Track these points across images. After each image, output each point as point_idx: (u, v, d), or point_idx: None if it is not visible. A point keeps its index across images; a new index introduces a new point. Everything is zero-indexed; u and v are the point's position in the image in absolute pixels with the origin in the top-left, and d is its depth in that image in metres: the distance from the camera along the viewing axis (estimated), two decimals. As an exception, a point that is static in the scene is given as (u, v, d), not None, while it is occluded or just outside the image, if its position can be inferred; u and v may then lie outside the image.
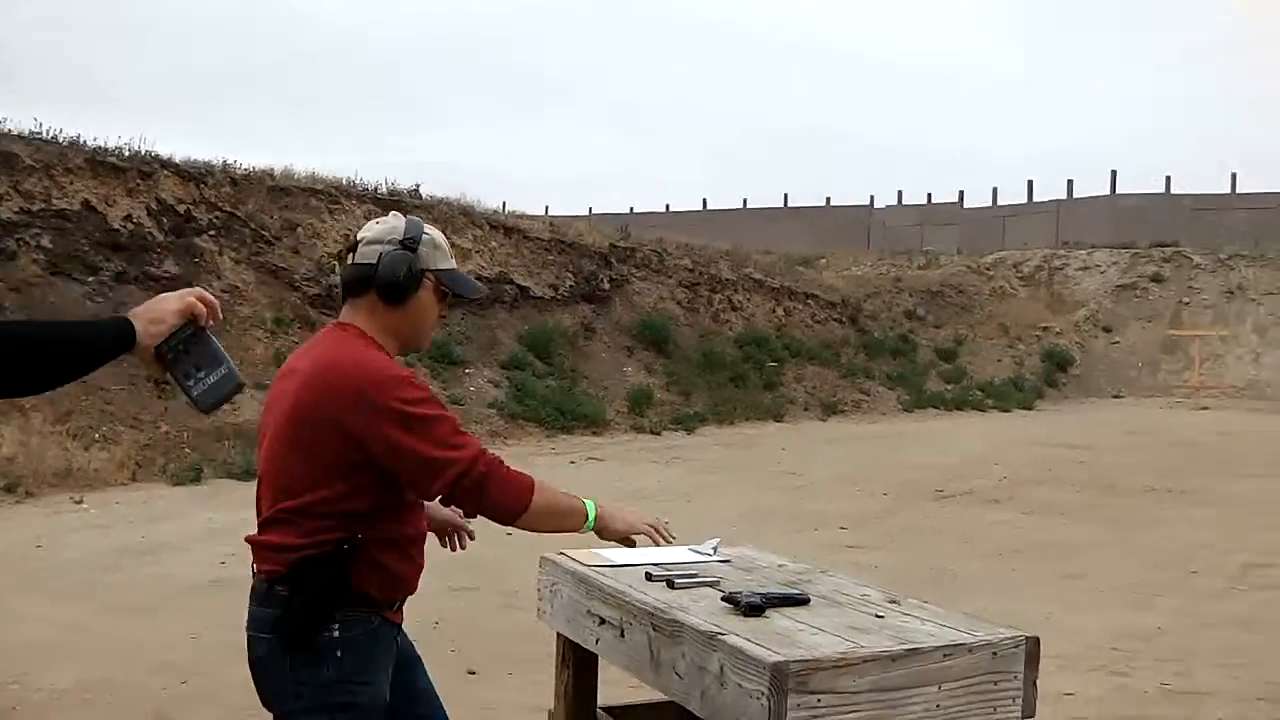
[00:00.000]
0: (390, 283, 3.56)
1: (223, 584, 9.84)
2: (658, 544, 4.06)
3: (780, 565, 4.73)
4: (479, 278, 23.73)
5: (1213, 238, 38.96)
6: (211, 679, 7.35)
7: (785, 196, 53.04)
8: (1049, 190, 45.57)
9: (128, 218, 19.28)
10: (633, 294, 27.22)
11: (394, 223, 3.66)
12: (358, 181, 23.78)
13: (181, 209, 20.03)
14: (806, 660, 3.36)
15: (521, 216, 28.06)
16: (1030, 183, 46.17)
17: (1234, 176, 41.95)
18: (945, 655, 3.54)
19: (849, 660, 3.41)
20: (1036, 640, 3.72)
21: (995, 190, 47.59)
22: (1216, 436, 23.70)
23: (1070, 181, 44.47)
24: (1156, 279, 37.60)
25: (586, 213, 49.96)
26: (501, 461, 3.58)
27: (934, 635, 3.65)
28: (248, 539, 3.61)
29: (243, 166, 22.10)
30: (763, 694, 3.33)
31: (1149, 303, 37.19)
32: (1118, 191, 43.14)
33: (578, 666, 4.47)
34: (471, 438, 3.56)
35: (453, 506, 3.67)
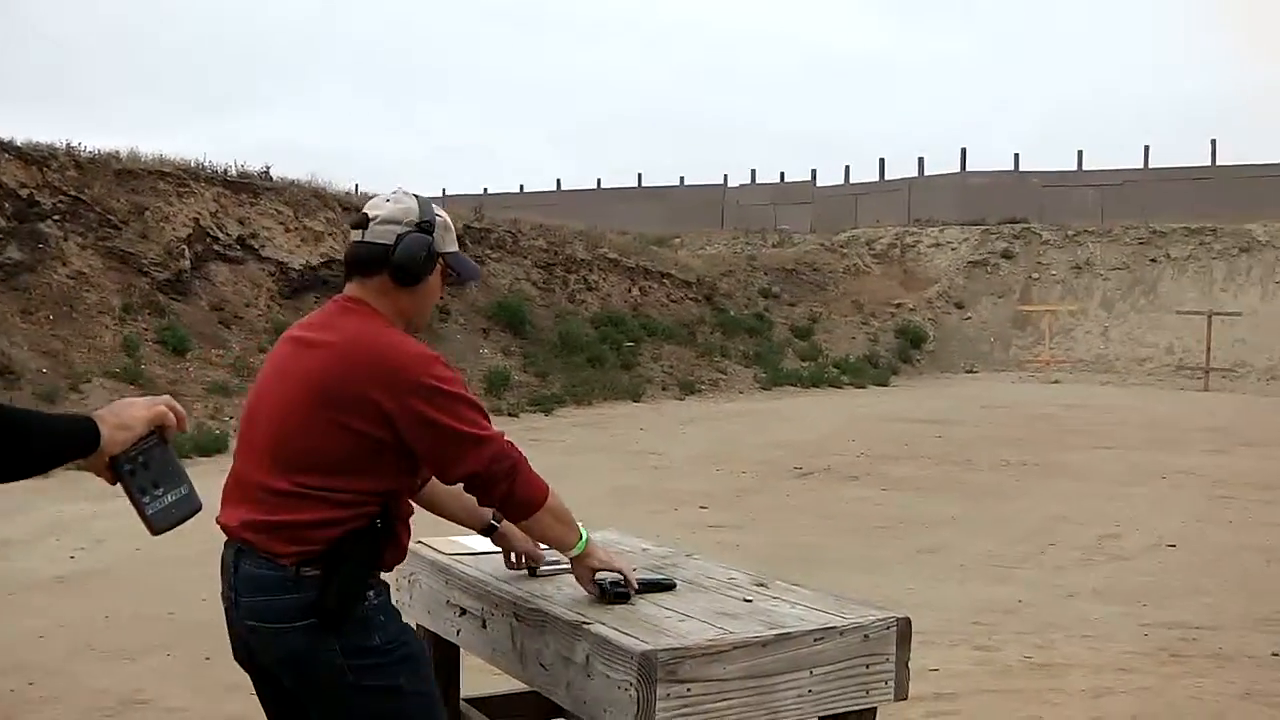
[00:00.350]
0: (408, 266, 3.53)
1: (71, 579, 9.58)
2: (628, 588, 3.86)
3: (645, 549, 4.65)
4: (331, 261, 23.46)
5: (1061, 215, 39.55)
6: (61, 679, 7.13)
7: (639, 176, 53.01)
8: (900, 168, 45.87)
9: (-34, 203, 18.77)
10: (488, 275, 27.03)
11: (408, 203, 3.60)
12: (206, 164, 23.33)
13: (24, 193, 19.51)
14: (675, 649, 3.28)
15: (373, 197, 27.70)
16: (882, 161, 46.53)
17: (1080, 154, 42.55)
18: (816, 639, 3.48)
19: (719, 647, 3.33)
20: (908, 621, 3.67)
21: (847, 169, 47.94)
22: (1068, 409, 24.06)
23: (921, 159, 44.89)
24: (1007, 255, 38.13)
25: (440, 194, 49.70)
26: (522, 456, 3.53)
27: (804, 619, 3.58)
28: (244, 523, 3.42)
29: (88, 149, 21.59)
30: (631, 684, 3.24)
31: (1000, 279, 37.70)
32: (968, 169, 43.61)
33: (439, 659, 4.34)
34: (490, 423, 3.51)
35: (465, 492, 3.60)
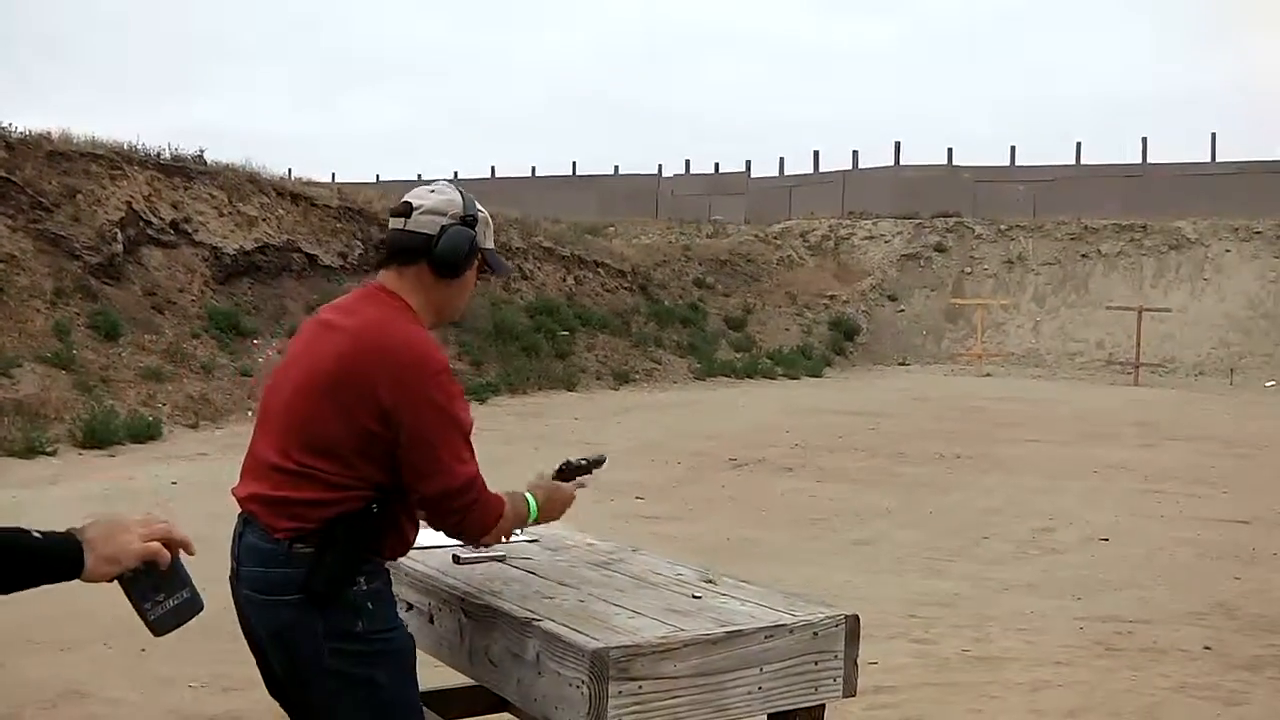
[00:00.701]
0: (450, 259, 3.56)
1: None
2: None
3: (589, 544, 4.65)
4: (266, 246, 23.30)
5: (993, 209, 39.80)
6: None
7: (574, 165, 52.98)
8: (835, 161, 46.05)
9: (-107, 185, 18.51)
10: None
11: (451, 195, 3.63)
12: (140, 147, 23.07)
13: (-49, 176, 19.28)
14: (627, 646, 3.28)
15: (309, 184, 27.51)
16: (816, 153, 46.64)
17: (1013, 149, 42.83)
18: (767, 636, 3.49)
19: (670, 645, 3.33)
20: (856, 618, 3.69)
21: (782, 160, 47.99)
22: (1000, 403, 24.23)
23: (855, 152, 45.07)
24: (940, 249, 38.35)
25: (374, 180, 49.38)
26: (485, 487, 3.55)
27: (754, 616, 3.59)
28: (251, 495, 3.49)
29: (18, 130, 21.28)
30: (582, 681, 3.24)
31: (933, 272, 37.92)
32: (902, 163, 43.81)
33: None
34: (473, 456, 3.53)
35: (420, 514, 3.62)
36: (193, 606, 2.57)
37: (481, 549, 4.26)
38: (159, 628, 2.54)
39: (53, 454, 14.95)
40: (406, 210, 3.60)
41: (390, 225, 3.66)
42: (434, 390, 3.40)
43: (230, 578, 3.55)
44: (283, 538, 3.38)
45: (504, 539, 3.93)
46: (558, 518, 4.04)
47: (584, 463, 4.11)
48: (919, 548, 10.93)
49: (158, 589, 2.51)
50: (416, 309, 3.57)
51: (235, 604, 3.57)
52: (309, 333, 3.65)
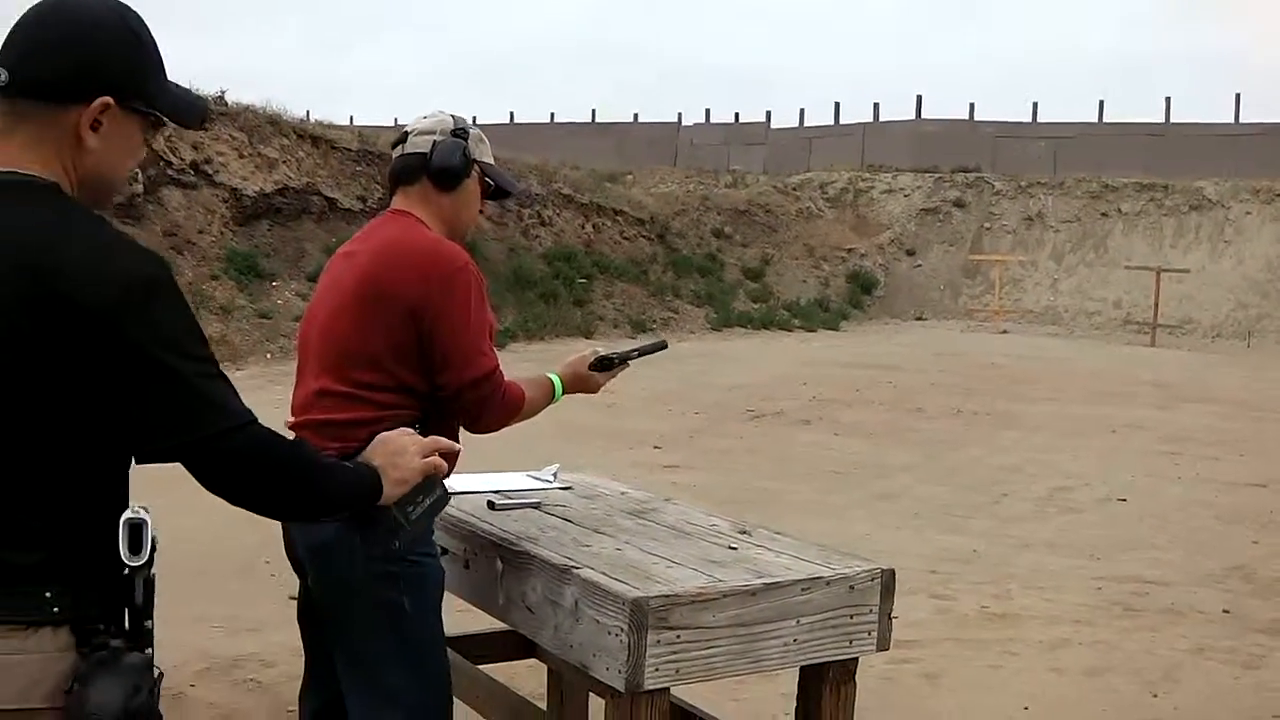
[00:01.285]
0: (444, 168, 3.71)
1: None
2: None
3: (623, 493, 4.66)
4: (285, 189, 23.25)
5: (1013, 165, 39.59)
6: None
7: (593, 112, 52.69)
8: (855, 113, 45.74)
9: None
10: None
11: (442, 116, 3.82)
12: (160, 89, 22.97)
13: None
14: (667, 595, 3.29)
15: (329, 126, 27.43)
16: (837, 105, 46.31)
17: (1035, 105, 42.54)
18: (803, 589, 3.50)
19: (708, 595, 3.35)
20: (892, 573, 3.71)
21: (802, 112, 47.65)
22: (1017, 360, 24.17)
23: (876, 105, 44.86)
24: (959, 204, 38.18)
25: (393, 124, 49.18)
26: (504, 379, 3.69)
27: (790, 569, 3.60)
28: (301, 422, 3.62)
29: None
30: (622, 630, 3.25)
31: (951, 227, 37.77)
32: (923, 116, 43.58)
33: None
34: (493, 350, 3.67)
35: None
36: (443, 501, 2.82)
37: (515, 497, 4.29)
38: (418, 525, 2.78)
39: (73, 391, 14.96)
40: (403, 138, 3.81)
41: (393, 157, 3.84)
42: (455, 284, 3.54)
43: None
44: (333, 456, 3.41)
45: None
46: (583, 384, 4.11)
47: (628, 355, 4.16)
48: (938, 503, 10.95)
49: (418, 492, 2.74)
50: (427, 223, 3.72)
51: (281, 525, 3.67)
52: (334, 267, 3.79)
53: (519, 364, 20.43)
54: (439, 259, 3.54)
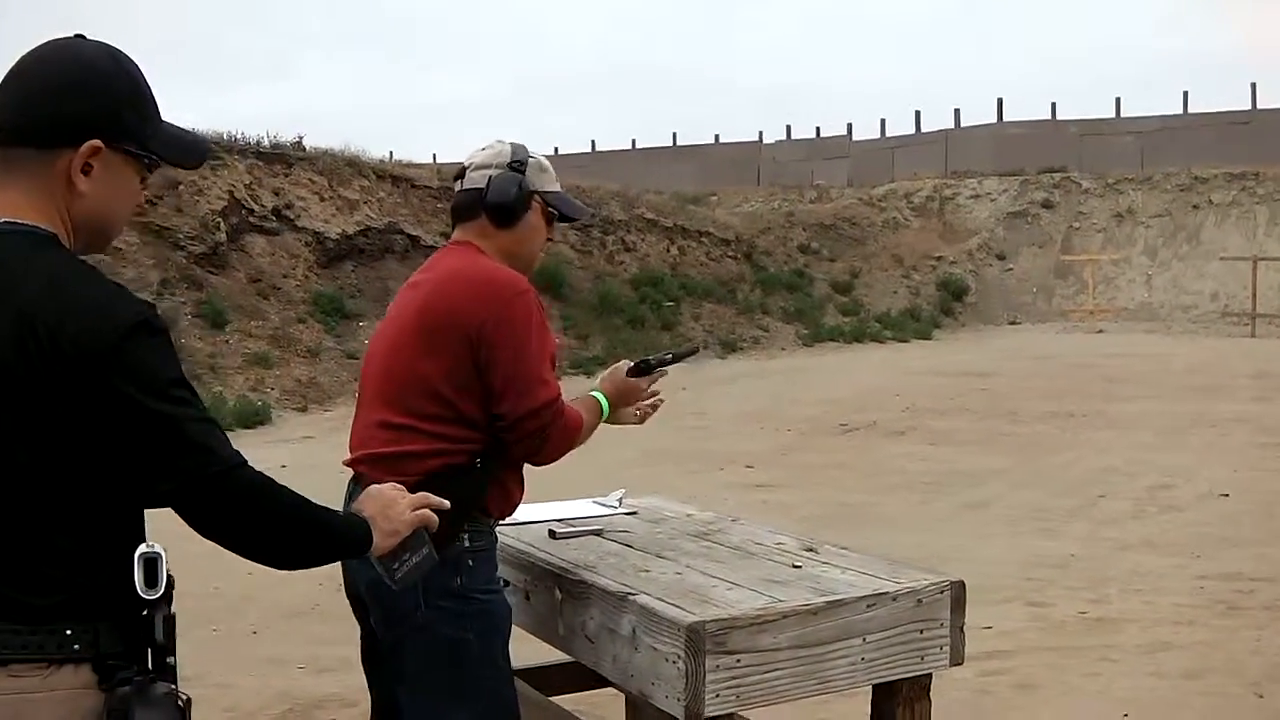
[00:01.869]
0: (500, 204, 3.62)
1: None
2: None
3: (689, 515, 4.56)
4: (367, 229, 23.37)
5: (1100, 163, 39.16)
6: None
7: (674, 136, 52.79)
8: (936, 120, 45.44)
9: (2, 181, 18.70)
10: (523, 239, 26.88)
11: (500, 147, 3.71)
12: (240, 136, 23.24)
13: (57, 170, 19.46)
14: (723, 619, 3.19)
15: (409, 165, 27.60)
16: (918, 113, 46.07)
17: (1118, 100, 42.10)
18: (869, 605, 3.38)
19: (768, 616, 3.24)
20: (962, 584, 3.57)
21: (883, 122, 47.44)
22: (1113, 359, 23.84)
23: (957, 110, 44.51)
24: (1046, 205, 37.80)
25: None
26: (565, 408, 3.57)
27: (855, 585, 3.48)
28: (359, 457, 3.57)
29: (121, 124, 21.47)
30: (679, 656, 3.15)
31: (1040, 229, 37.40)
32: (1004, 119, 43.23)
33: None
34: (554, 377, 3.58)
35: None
36: (430, 560, 2.72)
37: (577, 524, 4.22)
38: (403, 582, 2.71)
39: (164, 442, 15.08)
40: (461, 172, 3.71)
41: (455, 190, 3.77)
42: (513, 310, 3.44)
43: None
44: None
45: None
46: (633, 415, 3.96)
47: (663, 359, 4.04)
48: (1032, 509, 10.75)
49: (405, 548, 2.67)
50: (489, 255, 3.64)
51: (341, 564, 3.59)
52: (400, 299, 3.71)
53: (608, 391, 20.39)
54: (496, 285, 3.45)
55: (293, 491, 2.43)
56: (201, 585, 8.61)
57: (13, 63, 2.30)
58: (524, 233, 3.67)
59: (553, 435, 3.50)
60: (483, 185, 3.63)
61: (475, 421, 3.44)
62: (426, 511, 2.68)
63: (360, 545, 2.55)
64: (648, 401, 3.98)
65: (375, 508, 2.61)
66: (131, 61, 2.34)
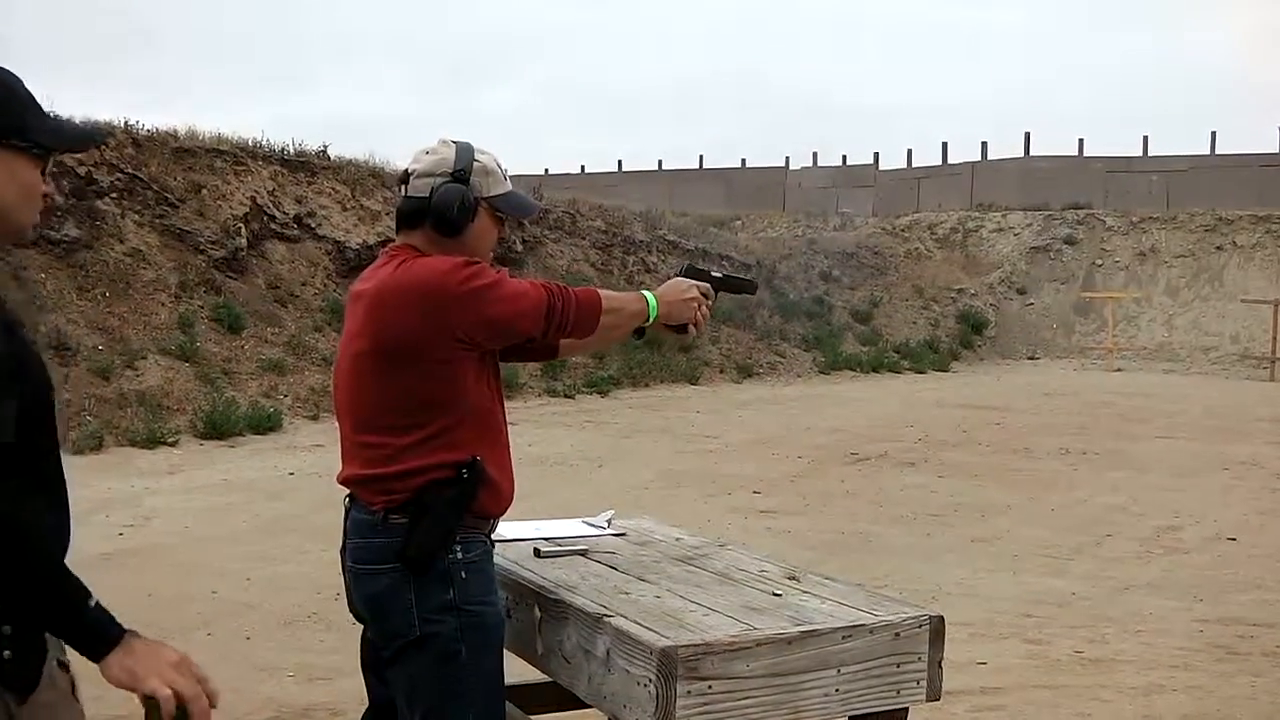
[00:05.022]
0: (443, 217, 3.55)
1: (117, 556, 9.55)
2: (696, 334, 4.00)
3: (677, 539, 4.54)
4: (388, 240, 23.37)
5: (1125, 200, 39.07)
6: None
7: (700, 158, 52.83)
8: (963, 152, 45.39)
9: (25, 179, 18.72)
10: (546, 256, 26.92)
11: (444, 153, 3.62)
12: (264, 143, 23.28)
13: (82, 171, 19.50)
14: (696, 645, 3.18)
15: (433, 178, 27.59)
16: (945, 145, 46.02)
17: (1146, 139, 42.03)
18: (844, 637, 3.37)
19: (742, 644, 3.23)
20: (941, 619, 3.55)
21: (910, 152, 47.45)
22: (1130, 398, 23.74)
23: (984, 144, 44.46)
24: (1070, 241, 37.70)
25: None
26: (564, 286, 3.60)
27: (833, 615, 3.47)
28: (346, 478, 3.59)
29: (145, 127, 21.53)
30: (650, 680, 3.14)
31: (1062, 264, 37.29)
32: (1031, 153, 43.17)
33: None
34: (529, 283, 3.57)
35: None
36: None
37: (564, 544, 4.19)
38: None
39: (174, 444, 15.12)
40: (405, 177, 3.65)
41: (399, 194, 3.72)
42: (463, 284, 3.40)
43: (341, 553, 3.66)
44: (379, 509, 3.45)
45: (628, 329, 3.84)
46: (682, 312, 3.84)
47: (715, 275, 4.00)
48: (1038, 545, 10.70)
49: None
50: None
51: (344, 579, 3.68)
52: (348, 311, 3.70)
53: (623, 410, 20.44)
54: (436, 275, 3.43)
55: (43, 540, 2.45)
56: (200, 589, 8.63)
57: None
58: (471, 240, 3.61)
59: (569, 315, 3.54)
60: (426, 195, 3.56)
61: (445, 410, 3.46)
62: (167, 693, 2.37)
63: (89, 648, 2.41)
64: (701, 306, 3.88)
65: (141, 645, 2.45)
66: (9, 72, 2.47)
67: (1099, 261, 37.03)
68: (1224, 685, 6.93)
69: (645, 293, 3.77)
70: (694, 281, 3.90)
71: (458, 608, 3.42)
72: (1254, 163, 38.72)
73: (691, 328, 3.86)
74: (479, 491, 3.47)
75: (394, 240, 3.69)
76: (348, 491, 3.61)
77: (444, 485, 3.42)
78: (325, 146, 24.28)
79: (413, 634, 3.43)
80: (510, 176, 3.75)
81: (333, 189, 23.32)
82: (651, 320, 3.76)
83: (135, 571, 9.15)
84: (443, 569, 3.42)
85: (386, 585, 3.45)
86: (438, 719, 3.47)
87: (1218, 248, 36.01)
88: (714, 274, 3.99)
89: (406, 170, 3.66)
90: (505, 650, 3.96)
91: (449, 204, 3.53)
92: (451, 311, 3.38)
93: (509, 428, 3.76)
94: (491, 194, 3.64)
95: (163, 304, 18.77)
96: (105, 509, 11.34)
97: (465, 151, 3.63)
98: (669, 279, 3.91)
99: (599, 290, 3.64)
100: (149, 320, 18.16)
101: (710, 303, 3.91)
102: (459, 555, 3.45)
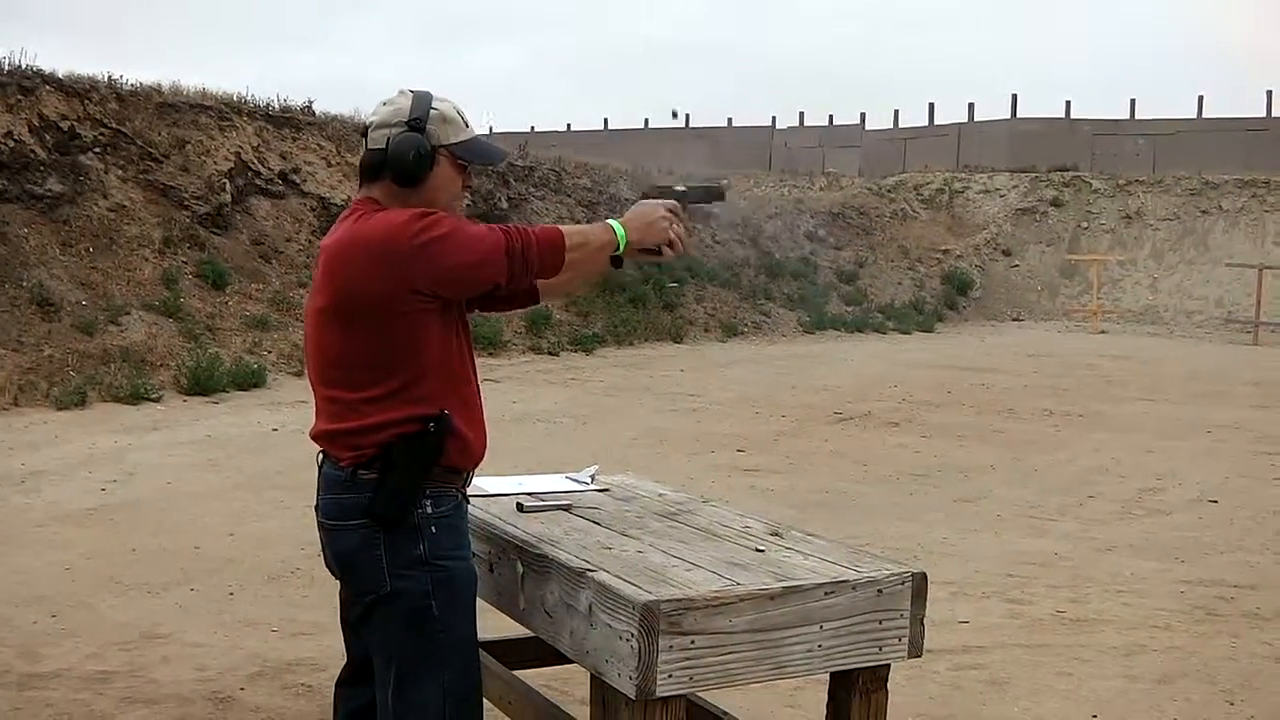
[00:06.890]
0: (401, 167, 3.50)
1: (101, 512, 9.53)
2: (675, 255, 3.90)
3: (660, 495, 4.54)
4: (374, 196, 23.30)
5: (1111, 164, 39.07)
6: (83, 612, 7.08)
7: (687, 117, 52.68)
8: (950, 114, 45.36)
9: (8, 134, 18.58)
10: (531, 213, 26.84)
11: (400, 103, 3.58)
12: (249, 98, 23.15)
13: (65, 125, 19.39)
14: (679, 599, 3.18)
15: (419, 134, 27.48)
16: (931, 105, 46.00)
17: (1133, 102, 42.01)
18: (827, 593, 3.37)
19: (724, 599, 3.23)
20: (924, 576, 3.55)
21: (896, 113, 47.35)
22: (1114, 360, 23.78)
23: (971, 105, 44.40)
24: (1056, 203, 37.70)
25: (486, 131, 49.19)
26: (523, 227, 3.55)
27: (815, 571, 3.47)
28: (317, 433, 3.59)
29: (129, 82, 21.40)
30: (632, 635, 3.14)
31: (1048, 227, 37.29)
32: (1018, 115, 43.14)
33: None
34: (485, 227, 3.51)
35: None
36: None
37: (547, 499, 4.19)
38: None
39: (158, 400, 15.07)
40: (365, 130, 3.62)
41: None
42: (419, 236, 3.35)
43: (315, 509, 3.65)
44: (348, 465, 3.45)
45: (598, 264, 3.83)
46: (654, 234, 3.78)
47: (681, 191, 3.97)
48: (1021, 506, 10.72)
49: None
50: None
51: (319, 535, 3.67)
52: (318, 265, 3.65)
53: (608, 369, 20.43)
54: (392, 229, 3.38)
55: None
56: (183, 544, 8.62)
57: None
58: (432, 188, 3.55)
59: (531, 254, 3.49)
60: (383, 146, 3.52)
61: (410, 383, 3.43)
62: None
63: None
64: (673, 225, 3.80)
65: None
66: None
67: (1085, 224, 37.04)
68: (1204, 646, 6.96)
69: (611, 221, 3.72)
70: (659, 201, 3.83)
71: (428, 561, 3.43)
72: (1240, 127, 38.75)
73: (666, 249, 3.79)
74: (447, 445, 3.46)
75: None
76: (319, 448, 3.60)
77: (411, 440, 3.41)
78: (310, 102, 24.19)
79: (383, 589, 3.44)
80: (496, 134, 3.69)
81: (318, 145, 23.24)
82: (622, 248, 3.71)
83: (119, 527, 9.13)
84: (413, 524, 3.43)
85: (357, 541, 3.45)
86: (413, 679, 3.47)
87: (1203, 211, 36.03)
88: (677, 189, 3.96)
89: (366, 123, 3.63)
90: (488, 605, 3.97)
91: (404, 153, 3.49)
92: (408, 265, 3.34)
93: (487, 383, 3.74)
94: (451, 142, 3.57)
95: (146, 260, 18.69)
96: (89, 465, 11.31)
97: (422, 100, 3.57)
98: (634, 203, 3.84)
99: (560, 226, 3.58)
100: (132, 276, 18.09)
101: (683, 219, 3.84)
102: (429, 510, 3.45)
